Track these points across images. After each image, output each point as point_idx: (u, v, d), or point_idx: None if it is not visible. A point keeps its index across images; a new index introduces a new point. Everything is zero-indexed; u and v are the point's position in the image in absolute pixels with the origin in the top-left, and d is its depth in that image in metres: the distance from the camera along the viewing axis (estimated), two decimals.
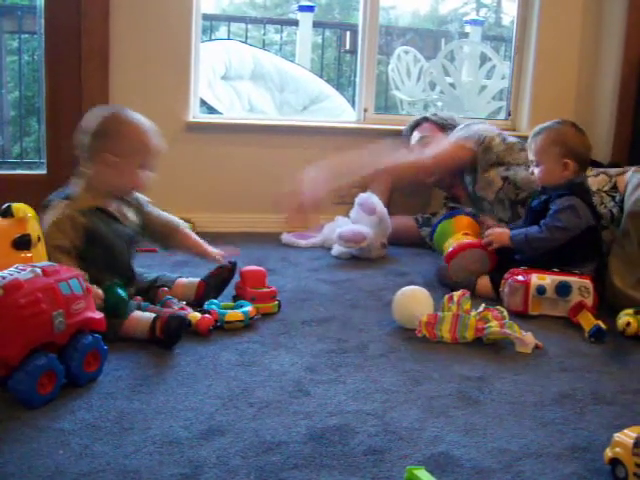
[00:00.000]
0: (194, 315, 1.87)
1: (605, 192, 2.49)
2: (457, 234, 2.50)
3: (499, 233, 2.36)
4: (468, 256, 2.40)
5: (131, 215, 2.05)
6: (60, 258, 1.77)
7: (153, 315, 1.79)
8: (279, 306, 2.11)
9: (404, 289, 2.04)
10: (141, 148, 1.98)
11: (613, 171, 2.57)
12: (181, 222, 2.20)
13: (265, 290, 2.10)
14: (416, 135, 3.21)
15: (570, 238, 2.24)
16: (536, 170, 2.36)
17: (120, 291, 1.79)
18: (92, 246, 1.88)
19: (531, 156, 2.38)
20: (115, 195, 2.00)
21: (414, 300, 2.01)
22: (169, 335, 1.74)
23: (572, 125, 2.37)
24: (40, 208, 1.90)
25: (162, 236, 2.17)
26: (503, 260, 2.36)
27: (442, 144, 2.94)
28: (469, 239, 2.46)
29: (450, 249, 2.43)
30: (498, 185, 2.74)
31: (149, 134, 1.99)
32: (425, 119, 3.23)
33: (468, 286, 2.25)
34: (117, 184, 1.97)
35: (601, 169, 2.60)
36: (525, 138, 3.38)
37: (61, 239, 1.82)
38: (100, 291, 1.75)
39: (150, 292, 2.04)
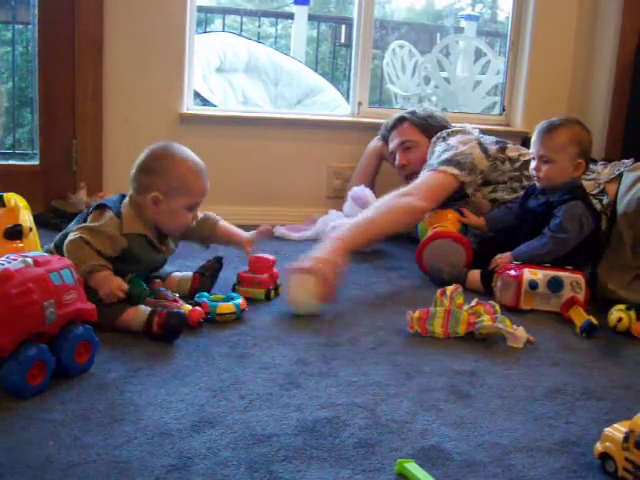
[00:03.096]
0: (185, 307, 1.87)
1: (593, 195, 2.44)
2: (436, 224, 2.51)
3: (501, 259, 2.30)
4: (439, 245, 2.41)
5: (171, 243, 2.04)
6: (83, 247, 1.77)
7: (149, 309, 1.78)
8: (267, 295, 2.11)
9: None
10: (190, 189, 1.92)
11: (602, 178, 2.52)
12: (212, 215, 2.13)
13: (250, 274, 2.12)
14: (395, 138, 2.98)
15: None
16: (544, 167, 2.28)
17: (142, 282, 1.82)
18: (121, 262, 1.86)
19: (542, 152, 2.28)
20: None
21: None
22: (169, 332, 1.74)
23: (580, 123, 2.32)
24: (92, 208, 1.90)
25: (202, 238, 2.14)
26: (488, 254, 2.37)
27: (424, 177, 2.56)
28: (442, 229, 2.47)
29: (423, 239, 2.47)
30: (488, 208, 2.62)
31: (199, 175, 1.94)
32: (404, 119, 2.98)
33: (459, 280, 2.25)
34: (162, 223, 1.93)
35: (591, 174, 2.55)
36: (520, 134, 3.43)
37: (93, 242, 1.79)
38: (124, 284, 1.77)
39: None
